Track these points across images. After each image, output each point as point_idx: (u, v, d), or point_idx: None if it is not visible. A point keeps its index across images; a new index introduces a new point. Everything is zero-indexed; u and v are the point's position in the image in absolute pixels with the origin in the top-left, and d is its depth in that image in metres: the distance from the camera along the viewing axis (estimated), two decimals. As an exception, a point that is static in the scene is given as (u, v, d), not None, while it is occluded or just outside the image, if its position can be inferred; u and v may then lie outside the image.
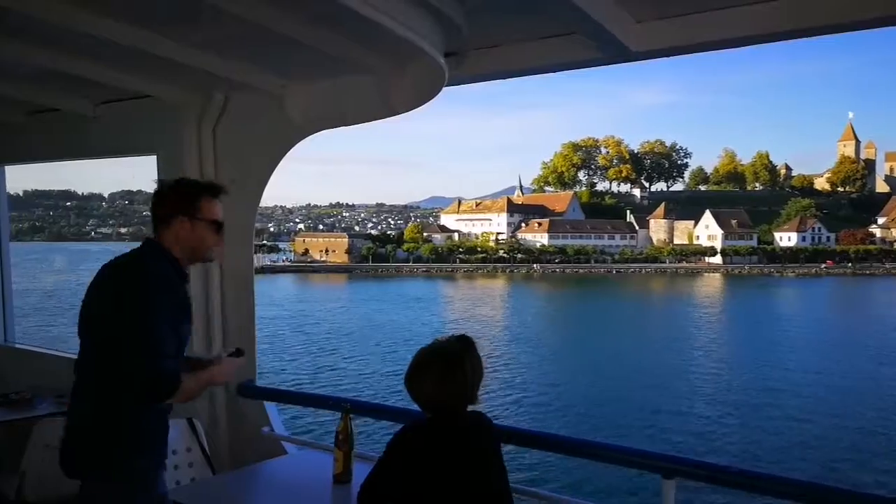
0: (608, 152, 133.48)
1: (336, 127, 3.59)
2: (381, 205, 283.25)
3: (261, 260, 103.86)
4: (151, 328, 2.16)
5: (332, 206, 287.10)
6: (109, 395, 2.22)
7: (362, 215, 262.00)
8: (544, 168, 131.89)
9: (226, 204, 2.48)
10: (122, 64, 3.24)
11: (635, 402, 23.14)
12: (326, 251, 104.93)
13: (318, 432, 11.50)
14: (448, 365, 2.17)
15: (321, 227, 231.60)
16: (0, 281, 5.17)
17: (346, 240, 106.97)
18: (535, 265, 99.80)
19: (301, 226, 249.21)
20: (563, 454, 3.13)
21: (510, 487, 2.27)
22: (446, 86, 2.85)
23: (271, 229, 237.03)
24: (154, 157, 3.99)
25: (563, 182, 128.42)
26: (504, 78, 3.11)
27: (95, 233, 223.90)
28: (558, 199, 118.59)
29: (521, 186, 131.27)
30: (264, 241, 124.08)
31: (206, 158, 3.70)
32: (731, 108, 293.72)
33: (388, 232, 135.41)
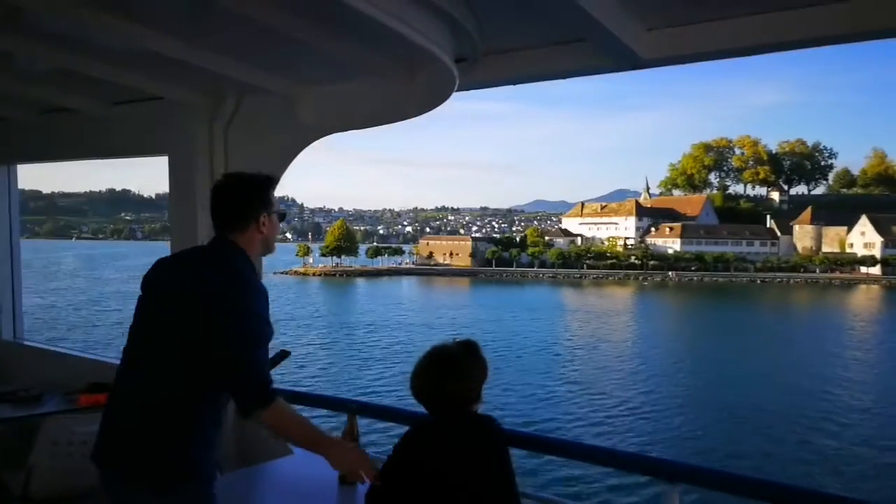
0: (743, 153, 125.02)
1: (347, 130, 3.60)
2: (485, 208, 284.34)
3: (385, 262, 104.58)
4: (259, 320, 2.11)
5: (437, 209, 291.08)
6: (194, 399, 2.12)
7: (467, 218, 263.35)
8: (672, 170, 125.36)
9: None
10: (134, 65, 3.25)
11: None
12: (450, 254, 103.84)
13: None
14: (448, 364, 2.21)
15: (427, 229, 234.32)
16: (10, 278, 5.15)
17: (469, 243, 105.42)
18: (669, 272, 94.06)
19: (409, 228, 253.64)
20: (569, 458, 3.01)
21: (518, 491, 2.23)
22: (456, 91, 2.85)
23: (381, 231, 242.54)
24: (165, 158, 3.91)
25: (692, 185, 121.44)
26: (514, 84, 3.15)
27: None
28: (689, 203, 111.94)
29: (647, 189, 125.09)
30: (389, 244, 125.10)
31: (218, 160, 3.70)
32: (853, 107, 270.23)
33: (494, 234, 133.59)
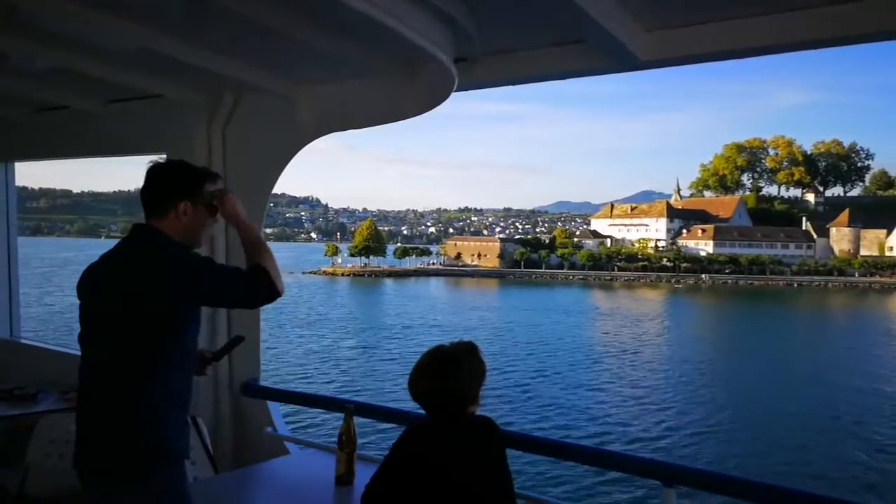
0: (777, 153, 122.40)
1: (345, 130, 3.57)
2: (509, 209, 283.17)
3: (412, 262, 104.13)
4: (201, 261, 2.18)
5: (460, 210, 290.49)
6: (147, 387, 2.12)
7: (490, 219, 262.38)
8: (703, 171, 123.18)
9: None
10: (132, 63, 3.23)
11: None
12: (478, 255, 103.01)
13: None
14: (444, 364, 2.22)
15: (451, 230, 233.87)
16: (7, 277, 5.13)
17: (498, 244, 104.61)
18: (703, 275, 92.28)
19: (432, 229, 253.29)
20: (565, 460, 3.04)
21: (514, 493, 2.25)
22: (455, 91, 2.83)
23: (404, 232, 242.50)
24: (163, 157, 3.70)
25: (725, 186, 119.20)
26: (513, 84, 3.15)
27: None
28: (722, 204, 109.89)
29: (678, 190, 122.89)
30: (416, 245, 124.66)
31: (216, 159, 3.70)
32: (886, 107, 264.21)
33: (517, 235, 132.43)
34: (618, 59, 2.58)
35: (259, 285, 2.16)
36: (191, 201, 2.22)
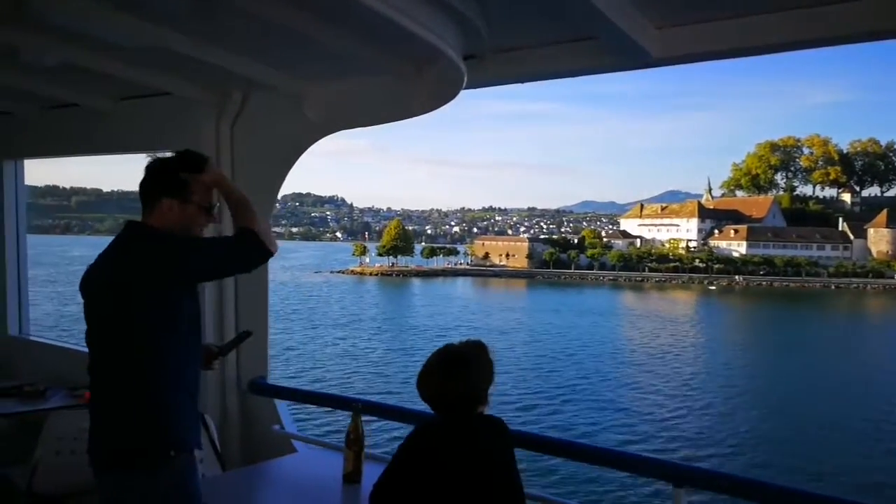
0: (812, 152, 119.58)
1: (353, 127, 3.58)
2: (533, 209, 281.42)
3: (440, 262, 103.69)
4: (194, 241, 2.23)
5: (484, 209, 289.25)
6: (153, 375, 2.14)
7: (514, 219, 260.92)
8: (735, 170, 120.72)
9: None
10: (141, 61, 3.24)
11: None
12: (507, 255, 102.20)
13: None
14: (453, 364, 2.20)
15: (475, 230, 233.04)
16: (16, 273, 5.13)
17: (526, 244, 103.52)
18: (736, 276, 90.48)
19: (456, 228, 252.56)
20: (575, 460, 3.02)
21: (524, 493, 2.23)
22: (465, 88, 2.84)
23: (429, 231, 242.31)
24: (156, 154, 3.71)
25: (757, 185, 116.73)
26: (523, 82, 3.13)
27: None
28: (755, 204, 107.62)
29: (709, 189, 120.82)
30: (443, 245, 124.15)
31: (224, 156, 3.70)
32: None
33: (542, 235, 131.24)
34: (629, 57, 2.55)
35: (249, 248, 2.18)
36: (173, 197, 2.20)
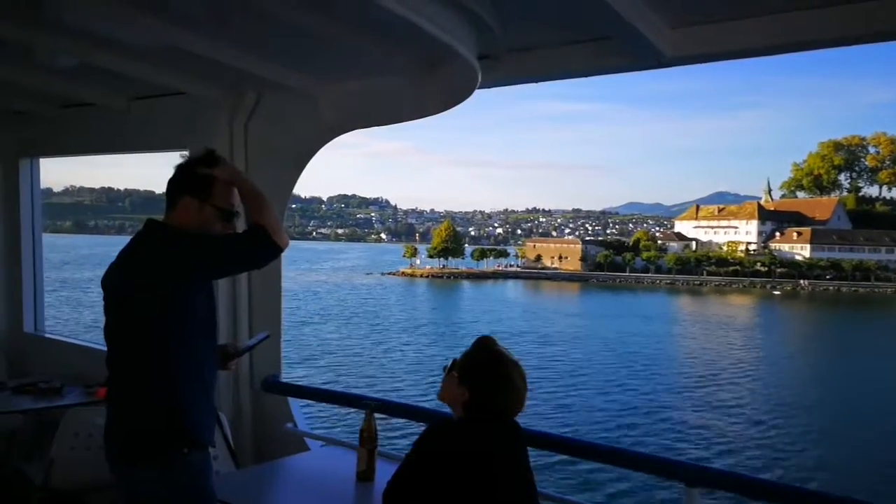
0: (879, 151, 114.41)
1: (367, 127, 3.58)
2: (578, 210, 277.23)
3: (490, 264, 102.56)
4: (205, 238, 2.23)
5: (528, 211, 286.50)
6: (168, 370, 2.18)
7: (559, 220, 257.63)
8: (796, 170, 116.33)
9: None
10: (156, 61, 3.27)
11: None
12: (559, 257, 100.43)
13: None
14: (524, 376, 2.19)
15: (518, 231, 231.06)
16: (32, 271, 5.15)
17: (579, 246, 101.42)
18: (801, 281, 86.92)
19: (499, 230, 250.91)
20: (587, 459, 3.06)
21: (537, 492, 2.23)
22: (479, 88, 2.84)
23: (472, 233, 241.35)
24: (186, 154, 3.88)
25: (820, 186, 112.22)
26: (537, 81, 3.15)
27: (317, 233, 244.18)
28: (819, 206, 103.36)
29: (769, 190, 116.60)
30: (493, 247, 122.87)
31: (238, 156, 3.71)
32: None
33: (588, 237, 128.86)
34: (643, 56, 2.56)
35: (259, 244, 2.20)
36: (193, 195, 2.23)
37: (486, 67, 2.75)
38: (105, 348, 2.23)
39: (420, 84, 2.97)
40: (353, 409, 3.66)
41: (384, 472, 2.30)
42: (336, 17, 2.45)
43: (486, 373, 2.13)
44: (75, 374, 4.30)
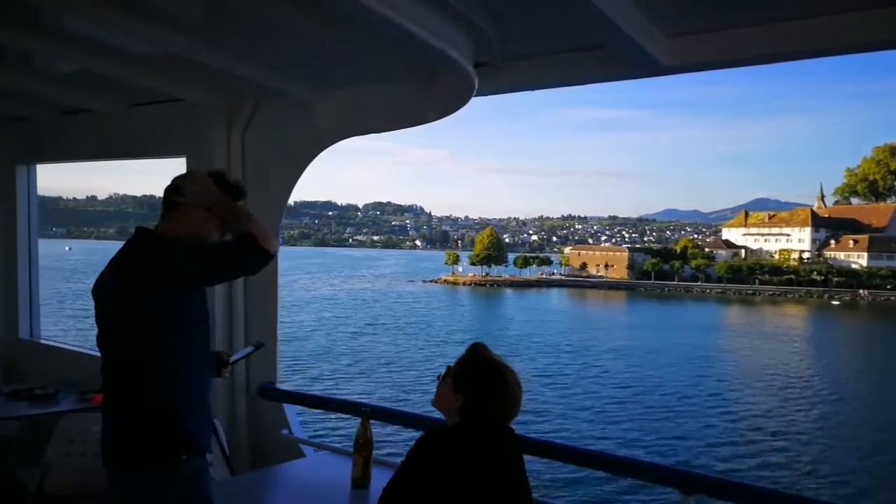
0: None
1: (364, 134, 3.58)
2: (615, 217, 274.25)
3: (533, 272, 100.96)
4: (195, 248, 2.22)
5: (563, 218, 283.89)
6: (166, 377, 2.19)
7: (595, 227, 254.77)
8: (849, 175, 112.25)
9: (252, 209, 2.46)
10: (153, 67, 3.28)
11: None
12: (605, 265, 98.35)
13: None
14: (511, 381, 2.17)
15: (554, 238, 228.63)
16: (28, 277, 5.17)
17: (626, 254, 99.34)
18: (861, 290, 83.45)
19: (534, 237, 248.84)
20: (583, 467, 3.04)
21: (533, 499, 2.23)
22: (475, 96, 2.88)
23: (506, 240, 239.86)
24: (183, 161, 3.98)
25: (875, 192, 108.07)
26: (533, 89, 3.15)
27: (353, 240, 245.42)
28: (875, 212, 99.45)
29: (821, 196, 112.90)
30: (537, 255, 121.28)
31: (235, 162, 3.75)
32: None
33: (624, 244, 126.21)
34: (639, 65, 2.58)
35: (249, 253, 2.20)
36: (182, 204, 2.24)
37: (483, 75, 2.75)
38: (98, 355, 2.20)
39: (417, 92, 2.96)
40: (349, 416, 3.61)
41: (380, 479, 2.31)
42: (333, 24, 2.46)
43: (481, 379, 2.11)
44: (70, 380, 4.32)
